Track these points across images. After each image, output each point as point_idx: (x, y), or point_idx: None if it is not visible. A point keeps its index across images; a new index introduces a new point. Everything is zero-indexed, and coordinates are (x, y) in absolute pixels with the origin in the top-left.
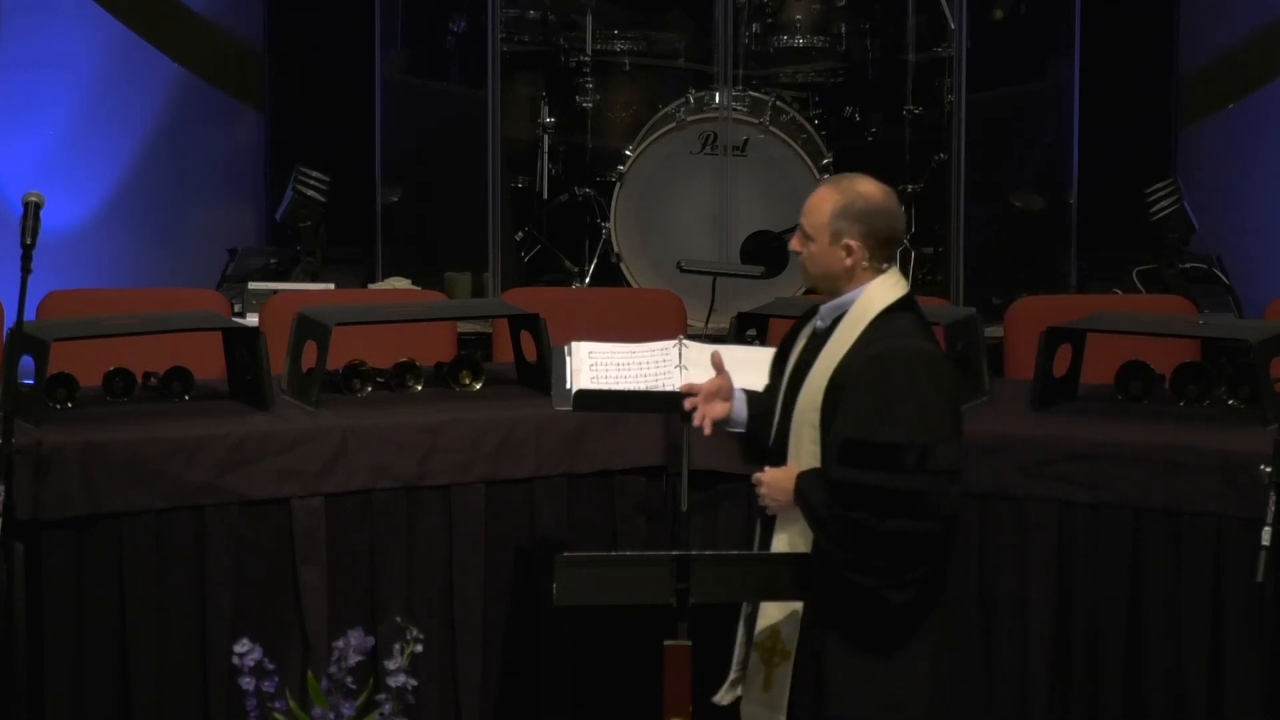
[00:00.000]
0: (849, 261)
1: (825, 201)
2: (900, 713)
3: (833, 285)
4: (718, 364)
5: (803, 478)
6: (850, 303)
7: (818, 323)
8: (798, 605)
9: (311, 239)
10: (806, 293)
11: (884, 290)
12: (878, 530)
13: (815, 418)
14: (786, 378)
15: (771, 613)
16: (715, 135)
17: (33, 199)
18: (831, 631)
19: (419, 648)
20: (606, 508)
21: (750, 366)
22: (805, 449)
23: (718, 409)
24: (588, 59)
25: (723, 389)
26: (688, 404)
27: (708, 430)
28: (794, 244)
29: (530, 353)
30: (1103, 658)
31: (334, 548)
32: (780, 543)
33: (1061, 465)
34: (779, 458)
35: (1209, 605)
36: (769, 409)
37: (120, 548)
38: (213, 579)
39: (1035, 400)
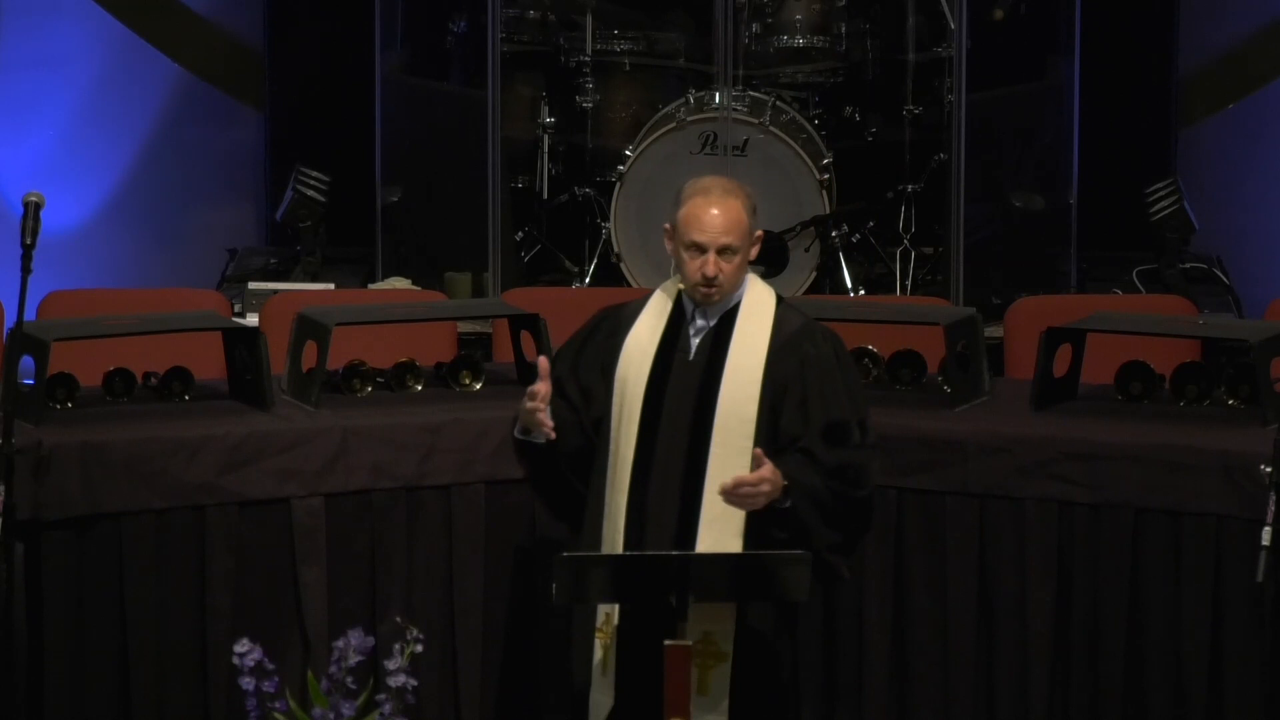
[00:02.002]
0: (755, 253)
1: (740, 210)
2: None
3: (739, 289)
4: (545, 370)
5: (789, 471)
6: (739, 298)
7: (699, 321)
8: (732, 604)
9: (311, 239)
10: (808, 292)
11: (762, 283)
12: (870, 505)
13: (750, 411)
14: (649, 378)
15: (701, 614)
16: (715, 135)
17: (33, 199)
18: (766, 618)
19: (419, 648)
20: None
21: None
22: (735, 444)
23: (546, 416)
24: (588, 59)
25: (548, 395)
26: (539, 417)
27: (552, 436)
28: (712, 268)
29: (530, 353)
30: (1103, 658)
31: (334, 548)
32: (713, 541)
33: (1061, 465)
34: (667, 464)
35: (1209, 605)
36: (568, 420)
37: (120, 548)
38: (213, 579)
39: (1035, 400)
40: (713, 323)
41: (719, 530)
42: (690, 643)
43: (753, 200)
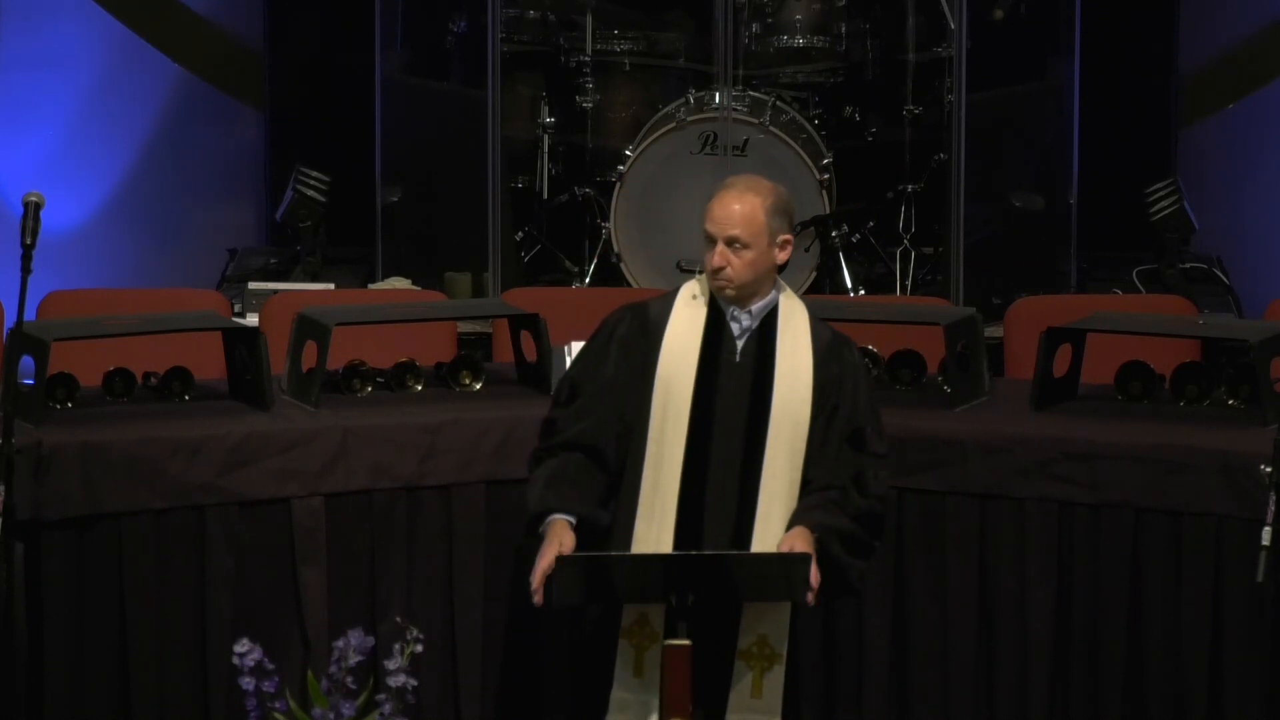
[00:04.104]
0: (784, 257)
1: (755, 207)
2: None
3: (758, 288)
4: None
5: (817, 521)
6: (775, 299)
7: (743, 321)
8: (786, 606)
9: (311, 239)
10: (808, 292)
11: (791, 290)
12: (883, 515)
13: (804, 414)
14: (696, 378)
15: (757, 618)
16: (715, 135)
17: (33, 199)
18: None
19: (419, 648)
20: None
21: None
22: (789, 446)
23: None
24: (588, 59)
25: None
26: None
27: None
28: (718, 259)
29: (530, 353)
30: (1103, 658)
31: (334, 548)
32: (767, 540)
33: (1061, 465)
34: (722, 465)
35: (1209, 605)
36: (612, 431)
37: (120, 548)
38: (213, 579)
39: (1035, 400)
40: (756, 324)
41: (774, 530)
42: (689, 643)
43: (782, 202)
